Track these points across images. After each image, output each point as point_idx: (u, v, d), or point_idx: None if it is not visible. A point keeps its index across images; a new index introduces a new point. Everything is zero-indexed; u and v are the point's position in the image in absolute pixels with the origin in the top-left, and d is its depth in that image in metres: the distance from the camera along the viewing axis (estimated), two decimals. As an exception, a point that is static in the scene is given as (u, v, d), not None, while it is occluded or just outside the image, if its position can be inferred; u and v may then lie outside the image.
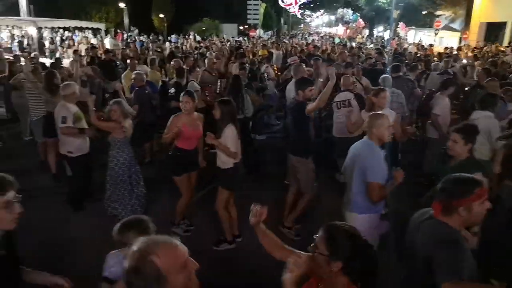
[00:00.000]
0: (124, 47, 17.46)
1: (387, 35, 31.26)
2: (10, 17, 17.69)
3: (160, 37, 31.09)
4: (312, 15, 65.54)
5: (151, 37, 28.24)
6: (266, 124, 8.93)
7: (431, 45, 19.36)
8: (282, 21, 54.92)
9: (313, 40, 26.24)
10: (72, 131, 4.97)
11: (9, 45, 17.94)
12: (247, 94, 6.62)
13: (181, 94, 4.60)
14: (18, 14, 18.89)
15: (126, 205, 4.88)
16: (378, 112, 3.69)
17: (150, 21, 44.74)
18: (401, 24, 28.13)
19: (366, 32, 43.08)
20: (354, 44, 20.61)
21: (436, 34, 24.94)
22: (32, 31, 15.70)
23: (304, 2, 51.25)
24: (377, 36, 37.48)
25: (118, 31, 29.86)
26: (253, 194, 4.51)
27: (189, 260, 1.38)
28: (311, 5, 59.47)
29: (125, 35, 28.35)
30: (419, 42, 24.18)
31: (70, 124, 4.95)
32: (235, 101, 6.23)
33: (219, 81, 7.45)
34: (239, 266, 4.17)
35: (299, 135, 4.63)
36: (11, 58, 10.06)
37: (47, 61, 11.74)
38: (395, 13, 27.29)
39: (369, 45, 22.89)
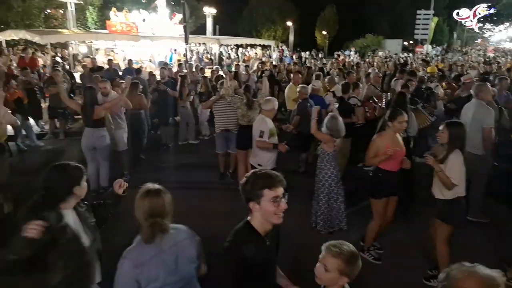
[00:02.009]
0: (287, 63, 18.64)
1: None
2: (200, 35, 20.95)
3: (321, 54, 32.01)
4: (493, 28, 57.38)
5: (312, 53, 29.35)
6: (430, 146, 8.22)
7: None
8: (455, 36, 49.67)
9: (494, 57, 22.85)
10: (267, 146, 5.08)
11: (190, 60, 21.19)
12: (412, 112, 6.25)
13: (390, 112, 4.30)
14: (204, 33, 22.30)
15: (330, 217, 4.94)
16: None
17: (313, 38, 46.62)
18: None
19: None
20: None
21: None
22: (215, 48, 18.25)
23: (484, 14, 45.48)
24: None
25: (280, 47, 31.95)
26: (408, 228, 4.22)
27: None
28: (494, 18, 52.21)
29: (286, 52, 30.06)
30: None
31: (266, 138, 5.08)
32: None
33: (383, 96, 7.26)
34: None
35: None
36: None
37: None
38: None
39: None
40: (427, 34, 34.00)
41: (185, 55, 15.95)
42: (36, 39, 13.59)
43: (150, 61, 15.16)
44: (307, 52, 29.01)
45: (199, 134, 9.54)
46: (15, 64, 12.46)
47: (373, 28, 44.18)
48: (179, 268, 2.19)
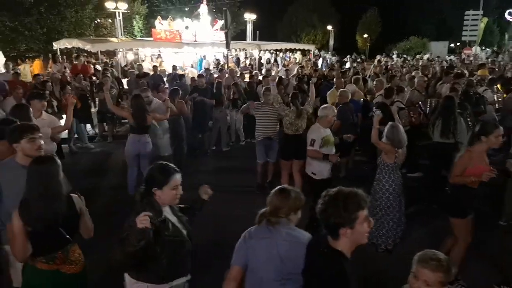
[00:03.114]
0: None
1: None
2: (240, 41, 21.26)
3: (363, 57, 31.42)
4: (552, 28, 53.51)
5: (353, 57, 28.84)
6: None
7: None
8: (506, 37, 46.92)
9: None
10: (317, 155, 4.99)
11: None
12: (461, 118, 5.99)
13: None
14: (244, 39, 22.61)
15: (388, 233, 4.62)
16: None
17: (353, 41, 45.89)
18: None
19: None
20: None
21: None
22: (255, 53, 18.44)
23: (541, 13, 42.61)
24: None
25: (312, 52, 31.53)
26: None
27: None
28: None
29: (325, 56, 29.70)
30: None
31: (317, 147, 4.97)
32: (445, 124, 5.79)
33: (428, 101, 7.02)
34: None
35: None
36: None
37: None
38: None
39: None
40: (475, 35, 32.37)
41: (218, 60, 16.30)
42: (88, 47, 14.40)
43: (192, 67, 15.60)
44: (348, 56, 28.58)
45: (230, 141, 9.58)
46: (68, 71, 13.27)
47: (418, 30, 42.76)
48: (285, 265, 2.20)
